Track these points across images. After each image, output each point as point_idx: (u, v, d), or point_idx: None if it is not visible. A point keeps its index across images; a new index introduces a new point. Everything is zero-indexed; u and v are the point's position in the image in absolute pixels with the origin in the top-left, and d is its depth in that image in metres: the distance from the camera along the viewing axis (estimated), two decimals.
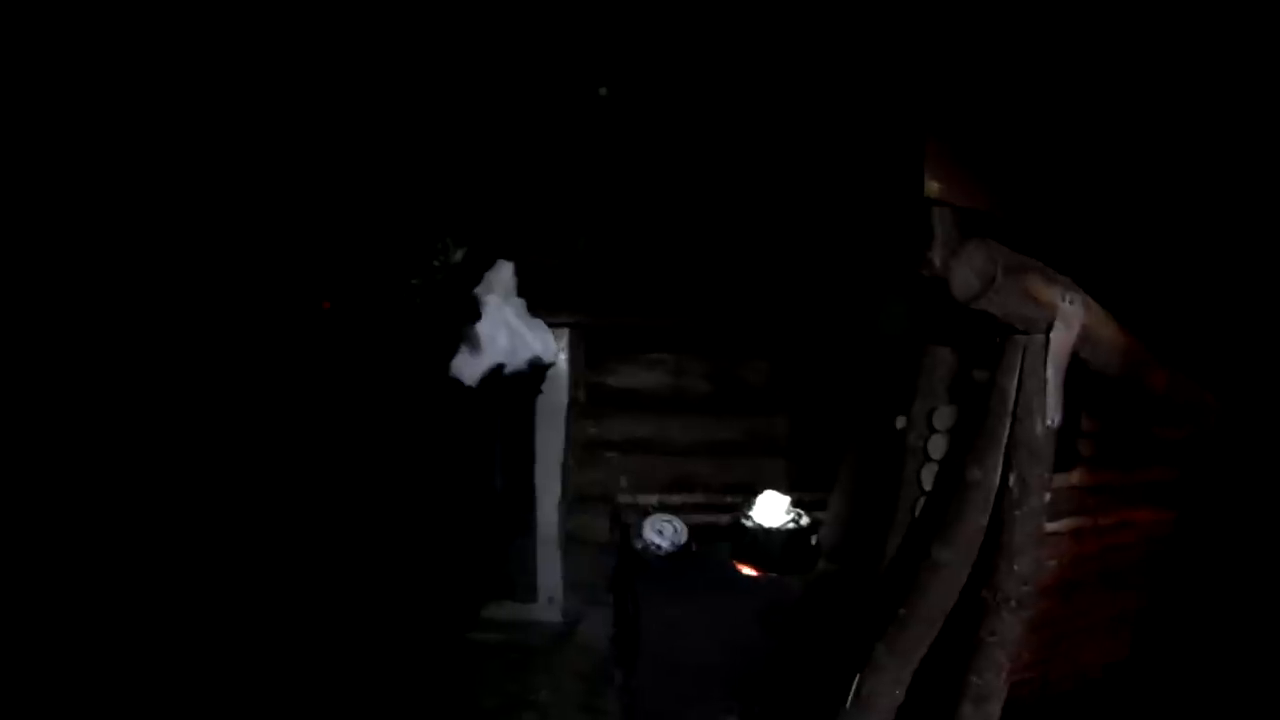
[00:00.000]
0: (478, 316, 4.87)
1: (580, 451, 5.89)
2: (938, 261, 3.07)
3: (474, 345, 4.85)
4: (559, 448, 5.77)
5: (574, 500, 5.85)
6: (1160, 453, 4.55)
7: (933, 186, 3.47)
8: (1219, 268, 4.74)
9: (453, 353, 4.86)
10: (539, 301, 5.24)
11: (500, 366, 4.94)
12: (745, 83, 4.97)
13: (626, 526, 5.33)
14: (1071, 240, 3.88)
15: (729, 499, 5.57)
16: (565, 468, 5.79)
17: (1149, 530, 4.56)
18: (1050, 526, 3.73)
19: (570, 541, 5.80)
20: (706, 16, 4.57)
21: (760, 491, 5.28)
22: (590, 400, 5.88)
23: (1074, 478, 3.86)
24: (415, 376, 4.97)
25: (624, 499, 5.72)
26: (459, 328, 4.85)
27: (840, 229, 4.99)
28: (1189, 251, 4.69)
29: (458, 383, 4.87)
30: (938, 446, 3.66)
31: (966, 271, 2.95)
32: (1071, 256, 3.47)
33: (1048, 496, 3.27)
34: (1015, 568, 3.25)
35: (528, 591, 5.70)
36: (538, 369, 5.27)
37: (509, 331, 4.96)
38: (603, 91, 4.91)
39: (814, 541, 5.05)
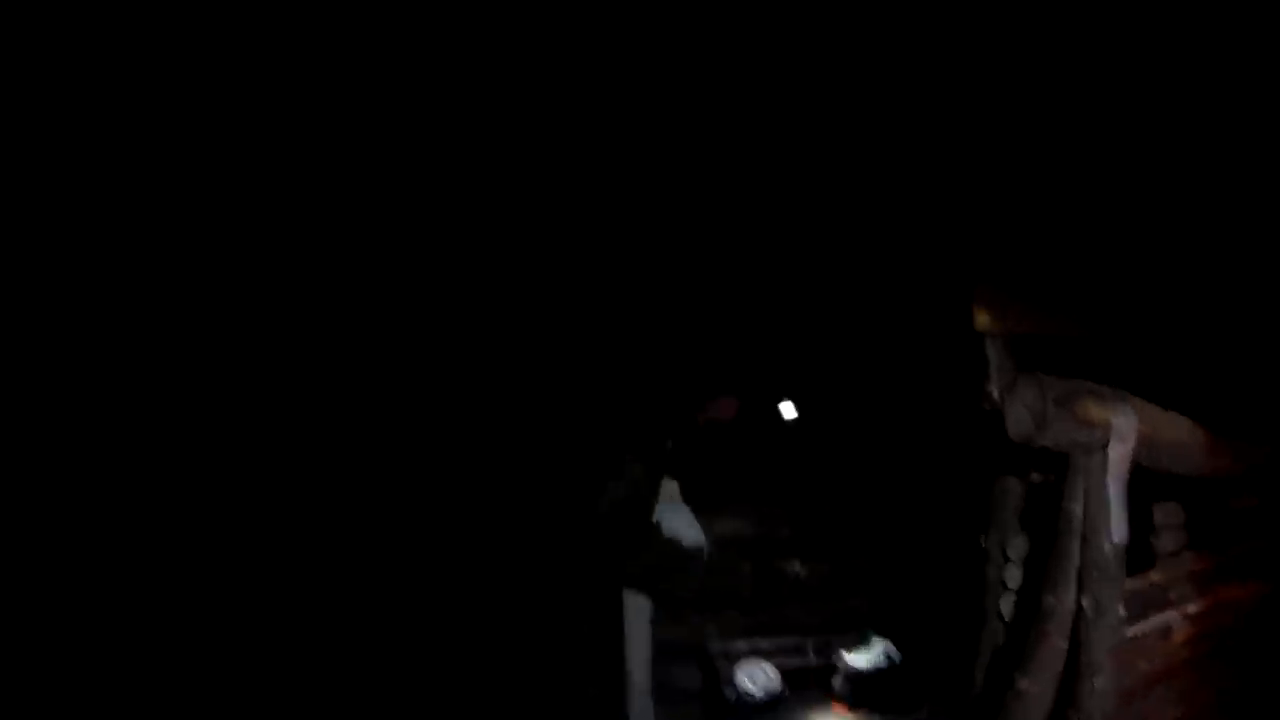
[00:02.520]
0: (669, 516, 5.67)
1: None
2: (995, 393, 3.19)
3: (678, 535, 5.63)
4: (648, 600, 5.85)
5: (665, 650, 5.85)
6: (1238, 526, 4.49)
7: (983, 320, 3.62)
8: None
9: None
10: None
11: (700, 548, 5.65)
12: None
13: (716, 673, 5.33)
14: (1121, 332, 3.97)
15: (818, 640, 5.55)
16: (655, 618, 5.84)
17: (1240, 608, 4.45)
18: (1133, 630, 3.71)
19: (661, 691, 5.79)
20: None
21: (850, 631, 5.29)
22: None
23: (1153, 576, 3.86)
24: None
25: (715, 648, 5.72)
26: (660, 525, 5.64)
27: (902, 367, 5.13)
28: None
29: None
30: (1014, 576, 3.69)
31: (1019, 410, 3.04)
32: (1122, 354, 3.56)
33: (1122, 610, 3.28)
34: (1095, 685, 3.23)
35: None
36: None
37: (693, 527, 5.71)
38: None
39: (908, 679, 5.02)
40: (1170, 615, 3.97)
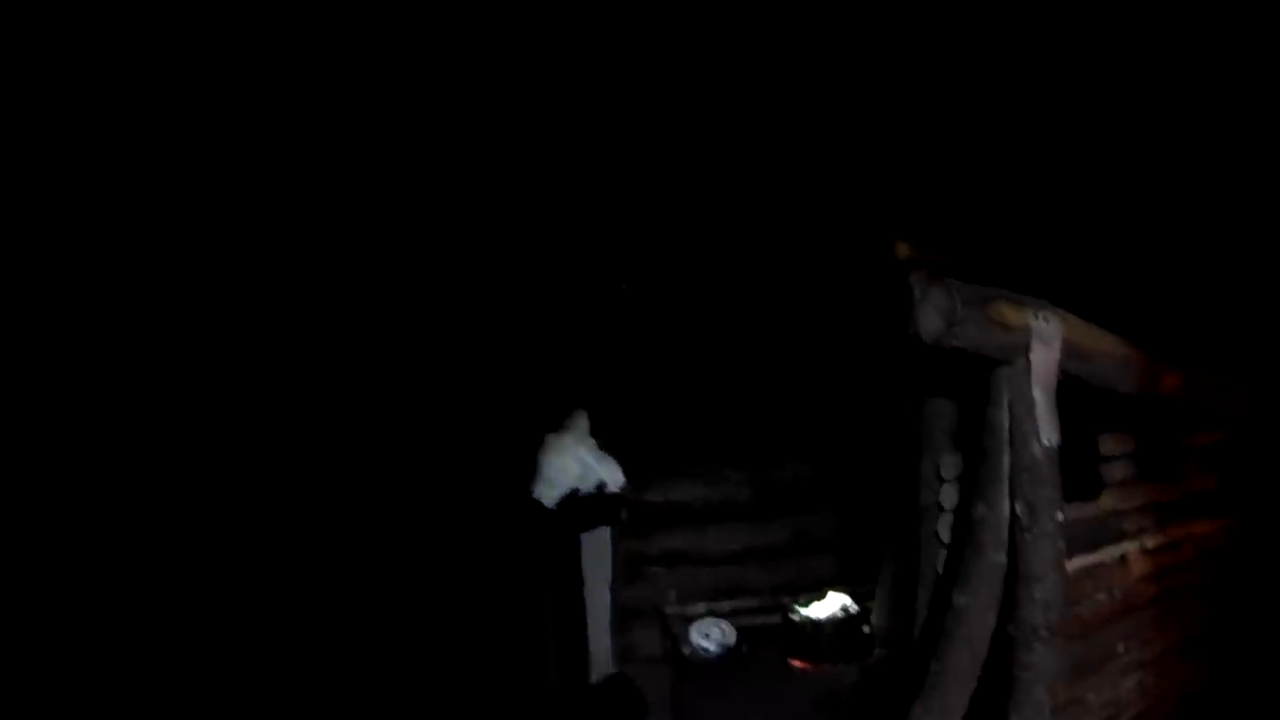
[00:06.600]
0: (553, 453, 5.48)
1: (627, 568, 5.88)
2: (915, 291, 3.12)
3: (550, 475, 5.43)
4: (606, 568, 5.80)
5: (624, 616, 5.82)
6: (1201, 460, 4.47)
7: (904, 249, 3.60)
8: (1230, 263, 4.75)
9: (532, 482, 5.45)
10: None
11: (575, 490, 5.43)
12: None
13: (675, 636, 5.31)
14: (1055, 262, 3.96)
15: (779, 600, 5.52)
16: (614, 587, 5.81)
17: (1206, 544, 4.45)
18: (1089, 558, 3.70)
19: (624, 658, 5.76)
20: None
21: (809, 590, 5.26)
22: (633, 518, 5.89)
23: (1104, 503, 3.83)
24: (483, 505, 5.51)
25: (673, 610, 5.69)
26: (538, 462, 5.45)
27: (840, 316, 5.12)
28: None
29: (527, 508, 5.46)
30: (949, 496, 3.64)
31: (929, 312, 2.95)
32: (1056, 278, 3.55)
33: (1060, 516, 3.21)
34: (1036, 595, 3.16)
35: (585, 713, 5.64)
36: (606, 494, 5.58)
37: (580, 463, 5.46)
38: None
39: (866, 630, 4.99)
40: (1126, 547, 3.98)
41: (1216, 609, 4.59)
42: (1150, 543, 4.08)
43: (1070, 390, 3.34)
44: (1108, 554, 3.86)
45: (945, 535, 3.66)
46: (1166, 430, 4.28)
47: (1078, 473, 3.51)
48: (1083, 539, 3.62)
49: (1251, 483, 4.69)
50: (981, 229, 4.26)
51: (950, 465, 3.65)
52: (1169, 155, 4.73)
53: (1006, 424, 3.19)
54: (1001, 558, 3.25)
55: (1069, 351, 3.30)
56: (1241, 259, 4.83)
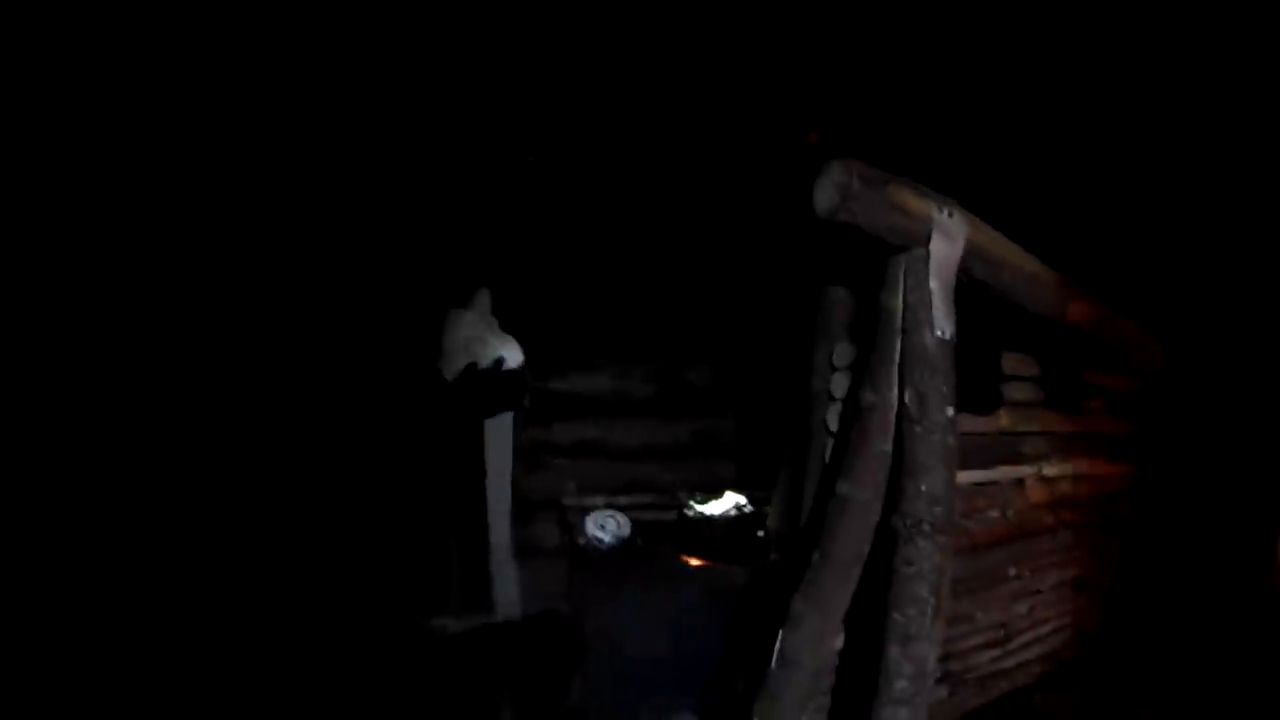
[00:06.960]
0: (454, 328, 5.42)
1: (529, 458, 5.80)
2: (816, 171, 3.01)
3: (450, 349, 5.37)
4: (508, 457, 5.70)
5: (525, 508, 5.74)
6: (1110, 403, 4.46)
7: (815, 136, 3.46)
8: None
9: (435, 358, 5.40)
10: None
11: (474, 365, 5.33)
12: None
13: (571, 527, 5.25)
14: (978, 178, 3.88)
15: (678, 498, 5.48)
16: (515, 477, 5.72)
17: (1111, 485, 4.46)
18: (984, 474, 3.64)
19: (524, 550, 5.69)
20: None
21: (709, 490, 5.21)
22: (536, 407, 5.80)
23: (1002, 421, 3.78)
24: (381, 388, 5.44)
25: (572, 502, 5.63)
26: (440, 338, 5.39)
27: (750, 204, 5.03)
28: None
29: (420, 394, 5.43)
30: (840, 385, 3.57)
31: (826, 186, 2.87)
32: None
33: (950, 411, 3.14)
34: (923, 488, 3.11)
35: (485, 604, 5.58)
36: (505, 371, 5.46)
37: (480, 338, 5.40)
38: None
39: (761, 531, 4.95)
40: (1023, 470, 3.96)
41: (1116, 552, 4.63)
42: (1050, 471, 4.07)
43: (974, 297, 3.28)
44: (1003, 473, 3.84)
45: (834, 424, 3.59)
46: (1074, 362, 4.27)
47: (975, 383, 3.45)
48: (977, 453, 3.60)
49: (1161, 435, 4.71)
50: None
51: (843, 353, 3.58)
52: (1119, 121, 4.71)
53: (900, 310, 3.12)
54: (888, 448, 3.19)
55: (974, 252, 3.25)
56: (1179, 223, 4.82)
